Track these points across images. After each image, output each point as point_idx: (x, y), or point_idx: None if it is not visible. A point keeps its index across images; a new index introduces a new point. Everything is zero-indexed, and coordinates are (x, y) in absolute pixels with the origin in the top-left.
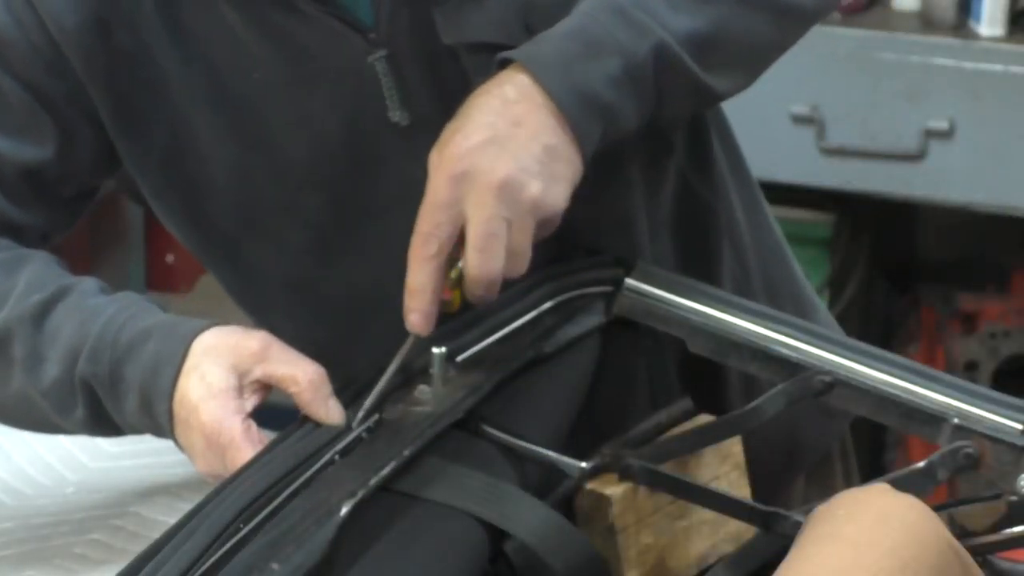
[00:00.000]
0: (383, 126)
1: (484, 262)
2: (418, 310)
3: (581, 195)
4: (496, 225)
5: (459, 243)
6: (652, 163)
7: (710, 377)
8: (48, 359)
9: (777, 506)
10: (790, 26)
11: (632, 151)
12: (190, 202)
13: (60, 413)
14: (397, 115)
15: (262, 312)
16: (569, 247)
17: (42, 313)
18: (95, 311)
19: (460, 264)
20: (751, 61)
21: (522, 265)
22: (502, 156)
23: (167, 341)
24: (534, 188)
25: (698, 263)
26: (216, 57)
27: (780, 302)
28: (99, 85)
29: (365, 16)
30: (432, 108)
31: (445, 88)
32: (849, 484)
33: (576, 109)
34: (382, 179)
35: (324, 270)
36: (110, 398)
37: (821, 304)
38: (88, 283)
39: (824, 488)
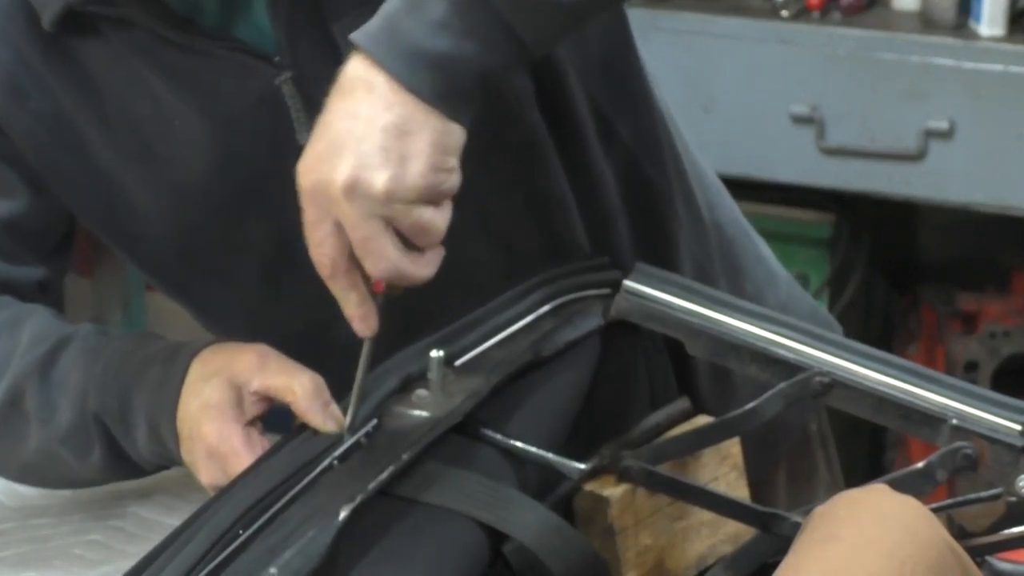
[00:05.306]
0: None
1: (376, 263)
2: (354, 316)
3: (503, 177)
4: (364, 228)
5: None
6: (569, 143)
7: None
8: (60, 406)
9: (761, 497)
10: None
11: (544, 132)
12: (135, 253)
13: (79, 458)
14: (304, 136)
15: None
16: (512, 231)
17: (47, 364)
18: (98, 351)
19: None
20: None
21: (430, 238)
22: (341, 158)
23: (168, 365)
24: (381, 179)
25: (656, 246)
26: (135, 113)
27: (742, 279)
28: (26, 148)
29: (268, 44)
30: None
31: None
32: (831, 472)
33: (408, 73)
34: None
35: (276, 301)
36: (121, 430)
37: (785, 274)
38: (87, 328)
39: (807, 477)
